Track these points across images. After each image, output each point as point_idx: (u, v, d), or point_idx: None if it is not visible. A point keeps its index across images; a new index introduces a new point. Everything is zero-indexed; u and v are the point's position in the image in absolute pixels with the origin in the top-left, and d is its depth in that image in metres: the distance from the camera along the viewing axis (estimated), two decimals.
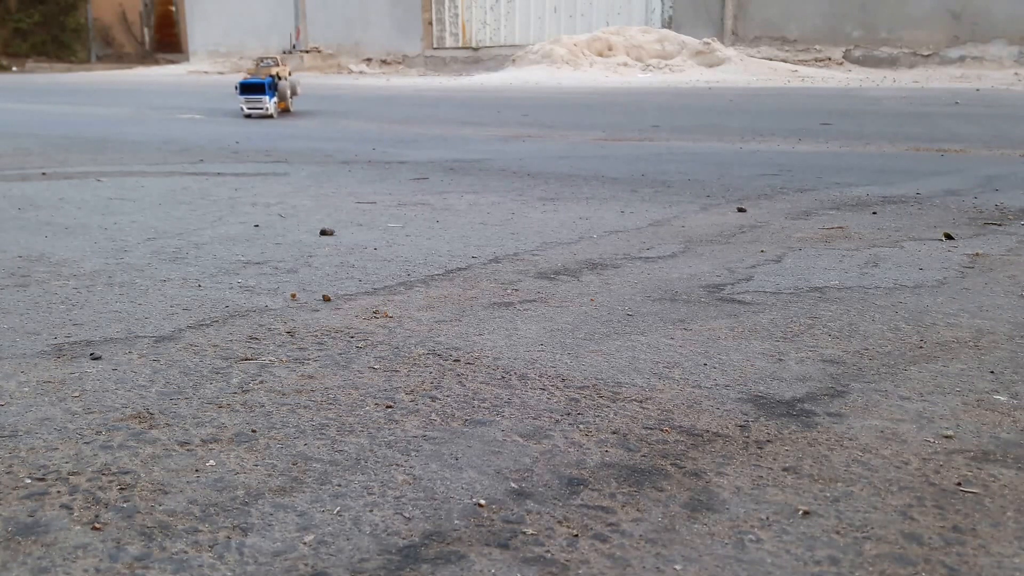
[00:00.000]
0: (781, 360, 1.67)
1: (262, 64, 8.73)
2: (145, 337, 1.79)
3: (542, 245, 2.71)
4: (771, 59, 16.56)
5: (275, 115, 8.42)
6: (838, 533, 1.06)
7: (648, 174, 4.41)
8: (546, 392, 1.51)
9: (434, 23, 21.67)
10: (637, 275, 2.33)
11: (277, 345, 1.75)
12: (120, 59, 27.70)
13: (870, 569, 0.99)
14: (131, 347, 1.73)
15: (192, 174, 4.37)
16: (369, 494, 1.15)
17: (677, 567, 0.99)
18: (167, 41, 28.35)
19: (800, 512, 1.11)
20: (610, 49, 17.08)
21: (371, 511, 1.11)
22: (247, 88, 8.43)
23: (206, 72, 21.42)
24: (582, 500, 1.14)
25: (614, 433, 1.34)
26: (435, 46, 21.71)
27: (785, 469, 1.23)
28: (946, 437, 1.33)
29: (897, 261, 2.49)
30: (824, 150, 5.54)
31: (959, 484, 1.19)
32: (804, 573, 0.98)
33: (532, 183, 4.09)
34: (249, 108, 8.36)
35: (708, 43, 16.42)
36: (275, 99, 8.48)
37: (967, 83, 13.12)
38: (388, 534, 1.05)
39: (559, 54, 16.80)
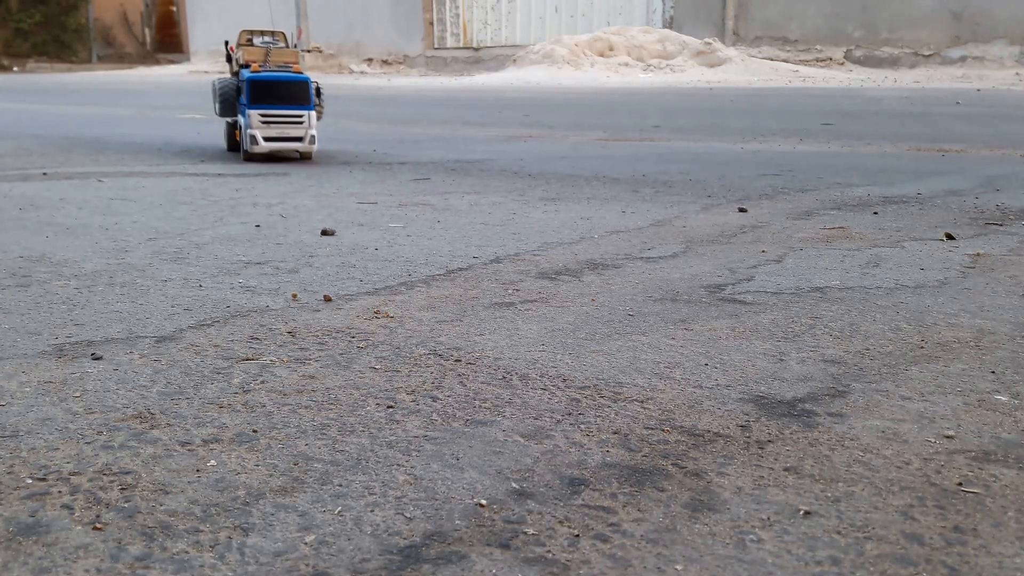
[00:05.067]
0: (782, 360, 1.67)
1: (262, 41, 4.88)
2: (146, 337, 1.79)
3: (543, 245, 2.71)
4: (772, 59, 16.56)
5: (314, 152, 4.91)
6: (839, 533, 1.06)
7: (649, 174, 4.40)
8: (547, 392, 1.51)
9: (435, 23, 21.68)
10: (638, 275, 2.33)
11: (278, 345, 1.75)
12: (121, 59, 27.72)
13: (871, 569, 0.99)
14: (132, 347, 1.73)
15: (193, 175, 4.37)
16: (370, 494, 1.15)
17: (678, 567, 0.99)
18: (168, 41, 28.37)
19: (801, 512, 1.11)
20: (611, 49, 17.08)
21: (372, 511, 1.11)
22: (263, 91, 4.59)
23: (207, 72, 21.42)
24: (583, 500, 1.14)
25: (615, 433, 1.34)
26: (436, 46, 21.72)
27: (786, 469, 1.23)
28: (947, 437, 1.33)
29: (898, 261, 2.49)
30: (825, 150, 5.54)
31: (960, 484, 1.19)
32: (805, 573, 0.98)
33: (533, 183, 4.09)
34: (271, 139, 4.67)
35: (709, 43, 16.43)
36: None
37: (968, 83, 13.12)
38: (389, 534, 1.05)
39: (560, 54, 16.81)
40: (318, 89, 4.81)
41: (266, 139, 4.69)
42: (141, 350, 1.71)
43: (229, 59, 5.10)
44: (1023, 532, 1.07)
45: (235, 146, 5.19)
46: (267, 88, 4.63)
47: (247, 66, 4.78)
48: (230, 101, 4.96)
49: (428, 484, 1.18)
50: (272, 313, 1.97)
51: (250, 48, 4.84)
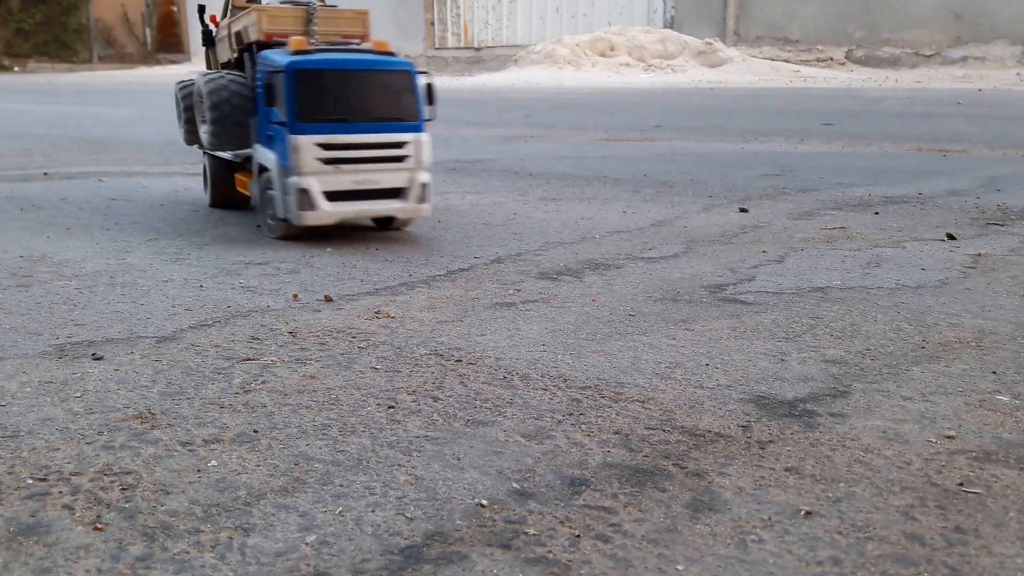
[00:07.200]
0: (783, 360, 1.67)
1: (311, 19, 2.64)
2: (147, 337, 1.79)
3: (544, 245, 2.71)
4: (773, 59, 16.55)
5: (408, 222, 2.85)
6: (840, 533, 1.06)
7: (650, 174, 4.40)
8: (548, 392, 1.51)
9: (436, 23, 21.67)
10: (639, 275, 2.33)
11: (279, 345, 1.75)
12: (122, 59, 27.71)
13: (872, 569, 0.99)
14: (133, 347, 1.73)
15: (194, 175, 4.36)
16: (371, 494, 1.15)
17: (679, 567, 0.99)
18: (169, 41, 28.34)
19: (802, 512, 1.11)
20: (612, 49, 17.08)
21: (373, 511, 1.11)
22: (322, 94, 2.43)
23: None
24: (584, 500, 1.14)
25: (616, 433, 1.34)
26: (437, 46, 21.71)
27: (787, 469, 1.23)
28: (948, 437, 1.33)
29: (899, 261, 2.49)
30: (826, 150, 5.54)
31: (961, 484, 1.19)
32: (806, 573, 0.98)
33: (534, 183, 4.09)
34: (343, 197, 2.52)
35: (710, 43, 16.42)
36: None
37: (969, 83, 13.11)
38: (390, 534, 1.05)
39: (561, 54, 16.80)
40: (430, 88, 2.64)
41: (332, 197, 2.49)
42: (142, 350, 1.71)
43: (209, 39, 2.95)
44: None
45: (225, 198, 3.08)
46: (331, 85, 2.45)
47: (268, 44, 2.59)
48: (221, 117, 2.73)
49: (429, 484, 1.18)
50: (273, 313, 1.97)
51: (258, 9, 2.60)
